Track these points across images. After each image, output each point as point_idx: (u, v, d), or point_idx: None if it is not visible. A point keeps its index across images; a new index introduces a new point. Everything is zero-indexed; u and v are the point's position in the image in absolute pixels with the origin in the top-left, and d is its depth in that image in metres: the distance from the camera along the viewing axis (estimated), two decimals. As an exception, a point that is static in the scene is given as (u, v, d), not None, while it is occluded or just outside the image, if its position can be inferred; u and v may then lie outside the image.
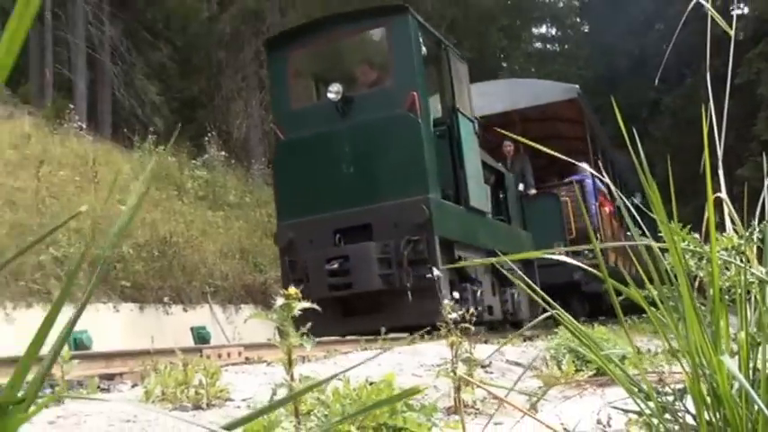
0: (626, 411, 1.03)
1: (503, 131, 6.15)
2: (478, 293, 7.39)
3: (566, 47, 39.60)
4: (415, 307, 6.46)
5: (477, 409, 2.22)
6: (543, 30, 39.82)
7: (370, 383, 1.88)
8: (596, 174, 11.21)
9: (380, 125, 7.16)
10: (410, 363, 3.28)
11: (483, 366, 2.84)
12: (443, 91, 8.04)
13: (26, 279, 7.38)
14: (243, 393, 2.47)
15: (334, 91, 7.20)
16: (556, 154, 1.37)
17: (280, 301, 1.57)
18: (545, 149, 1.36)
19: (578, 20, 41.48)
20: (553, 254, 1.21)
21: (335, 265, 6.71)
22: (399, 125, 7.13)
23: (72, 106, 14.58)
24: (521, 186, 10.79)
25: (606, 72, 33.35)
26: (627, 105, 28.10)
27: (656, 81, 30.48)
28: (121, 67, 18.55)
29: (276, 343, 1.72)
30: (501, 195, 9.69)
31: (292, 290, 1.56)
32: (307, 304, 1.54)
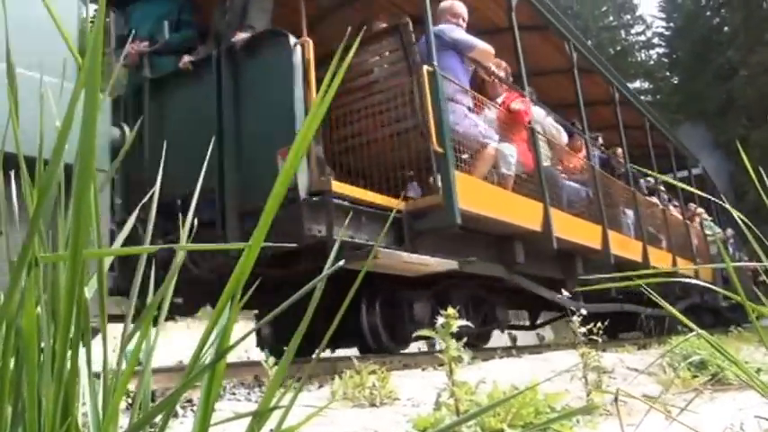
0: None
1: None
2: None
3: (658, 97, 37.57)
4: None
5: (608, 411, 2.08)
6: (637, 84, 37.98)
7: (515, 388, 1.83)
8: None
9: None
10: (543, 369, 3.15)
11: (607, 373, 2.68)
12: None
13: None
14: (407, 394, 2.46)
15: None
16: None
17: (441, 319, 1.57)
18: None
19: (668, 73, 39.50)
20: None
21: None
22: None
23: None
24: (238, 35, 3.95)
25: (697, 115, 31.56)
26: (718, 142, 26.12)
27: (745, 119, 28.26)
28: None
29: (437, 353, 1.71)
30: None
31: (451, 310, 1.56)
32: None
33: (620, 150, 8.20)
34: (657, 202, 8.87)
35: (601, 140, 7.87)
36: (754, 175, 1.09)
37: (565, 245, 5.23)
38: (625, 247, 6.69)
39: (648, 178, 9.10)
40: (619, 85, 8.45)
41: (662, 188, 9.52)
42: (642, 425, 1.23)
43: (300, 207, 3.33)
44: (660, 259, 7.88)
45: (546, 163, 5.41)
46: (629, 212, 7.46)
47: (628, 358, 3.90)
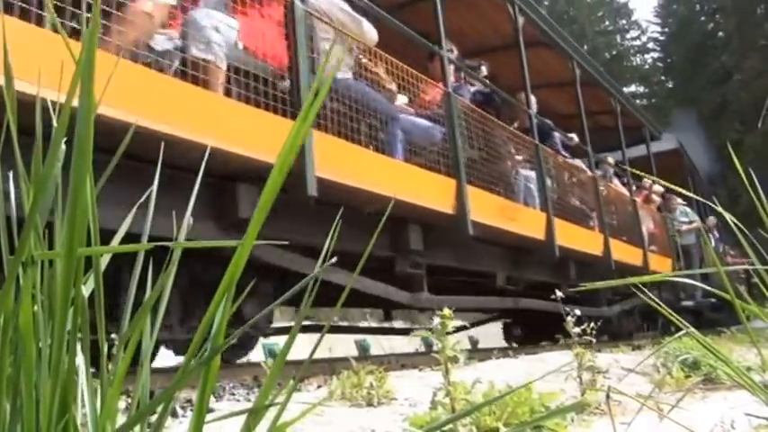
0: (758, 417, 0.93)
1: None
2: None
3: (653, 101, 37.68)
4: None
5: (602, 410, 2.08)
6: (633, 88, 38.06)
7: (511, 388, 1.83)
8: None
9: None
10: (539, 369, 3.16)
11: (602, 373, 2.68)
12: None
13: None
14: (404, 394, 2.45)
15: None
16: None
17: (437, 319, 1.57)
18: None
19: (663, 77, 39.67)
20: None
21: None
22: None
23: None
24: None
25: (692, 118, 31.77)
26: (713, 146, 26.27)
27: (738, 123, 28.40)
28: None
29: (434, 354, 1.71)
30: None
31: (447, 311, 1.56)
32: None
33: (530, 99, 5.74)
34: (584, 168, 6.76)
35: (485, 71, 5.56)
36: (745, 179, 1.10)
37: (362, 200, 3.23)
38: (510, 215, 4.63)
39: (571, 135, 6.70)
40: (524, 6, 5.71)
41: (610, 161, 7.64)
42: (635, 423, 1.23)
43: None
44: (579, 240, 5.75)
45: (345, 74, 3.53)
46: (530, 174, 5.35)
47: (623, 358, 3.91)
